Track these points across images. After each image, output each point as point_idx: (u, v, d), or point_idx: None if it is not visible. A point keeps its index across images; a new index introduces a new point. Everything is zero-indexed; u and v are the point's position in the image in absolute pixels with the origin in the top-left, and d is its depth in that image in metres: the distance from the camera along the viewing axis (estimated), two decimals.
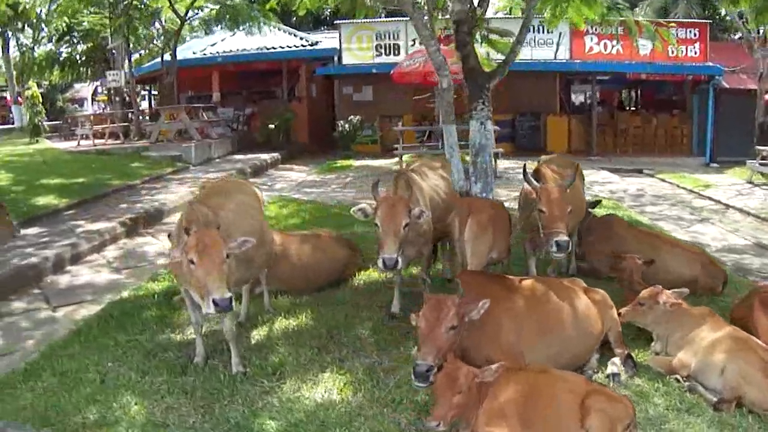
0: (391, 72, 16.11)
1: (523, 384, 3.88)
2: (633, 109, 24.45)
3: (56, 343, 5.39)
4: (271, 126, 18.83)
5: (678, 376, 4.86)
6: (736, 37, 24.79)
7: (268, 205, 10.78)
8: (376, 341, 5.30)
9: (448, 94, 9.30)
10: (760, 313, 5.22)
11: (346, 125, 18.28)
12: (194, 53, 21.50)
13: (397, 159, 17.19)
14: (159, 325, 5.72)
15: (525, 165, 5.73)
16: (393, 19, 20.00)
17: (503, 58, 9.25)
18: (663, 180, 15.98)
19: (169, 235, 6.35)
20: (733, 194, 13.54)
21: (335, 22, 21.31)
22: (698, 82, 19.74)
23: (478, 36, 9.77)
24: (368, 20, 16.88)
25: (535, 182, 5.55)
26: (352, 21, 17.57)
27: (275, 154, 17.18)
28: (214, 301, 4.00)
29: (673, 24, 14.22)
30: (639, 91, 25.15)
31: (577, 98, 23.95)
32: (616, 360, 5.01)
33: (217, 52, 21.00)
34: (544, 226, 5.26)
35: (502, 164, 15.48)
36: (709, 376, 4.68)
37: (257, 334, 5.53)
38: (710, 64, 19.10)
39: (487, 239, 5.43)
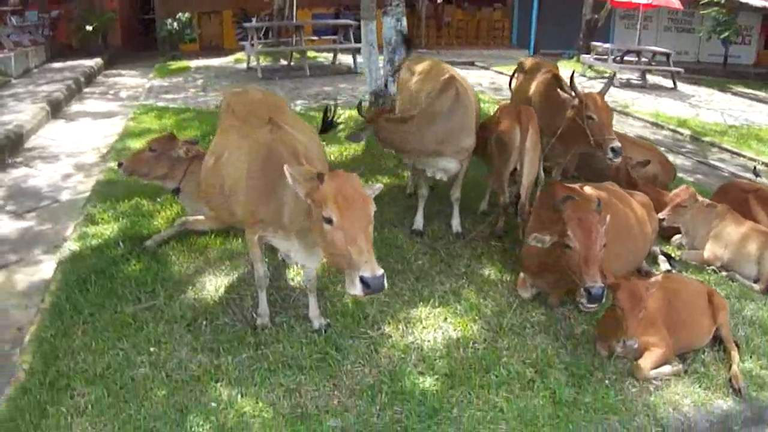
0: None
1: (662, 292, 3.95)
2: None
3: (45, 338, 3.97)
4: (89, 28, 16.04)
5: (714, 267, 5.20)
6: None
7: (139, 116, 9.39)
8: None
9: None
10: (759, 209, 5.68)
11: (174, 24, 16.18)
12: None
13: (236, 56, 15.89)
14: (155, 282, 4.58)
15: (573, 73, 5.49)
16: None
17: None
18: (500, 73, 16.49)
19: (119, 165, 5.25)
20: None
21: None
22: None
23: None
24: None
25: (577, 90, 5.32)
26: None
27: (97, 60, 14.83)
28: (362, 280, 2.92)
29: None
30: None
31: None
32: (662, 257, 5.21)
33: None
34: (594, 134, 5.09)
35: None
36: (745, 265, 5.09)
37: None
38: None
39: (539, 148, 5.16)
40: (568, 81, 5.58)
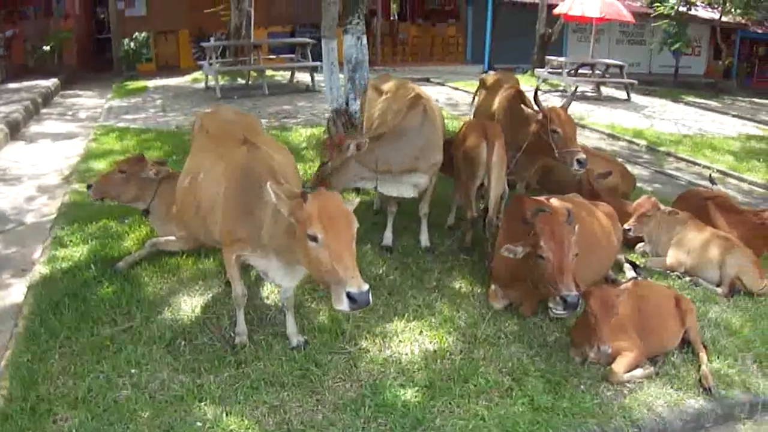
0: None
1: (632, 298, 4.14)
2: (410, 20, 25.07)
3: (22, 362, 3.90)
4: (46, 48, 15.79)
5: (677, 273, 5.42)
6: None
7: (101, 137, 9.33)
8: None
9: (333, 8, 8.69)
10: (717, 216, 5.94)
11: (131, 43, 16.05)
12: None
13: (193, 76, 15.84)
14: (131, 303, 4.58)
15: (537, 89, 5.67)
16: None
17: None
18: (456, 89, 16.78)
19: (88, 187, 5.24)
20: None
21: None
22: None
23: None
24: None
25: (541, 105, 5.51)
26: None
27: (54, 80, 14.59)
28: (349, 296, 2.99)
29: None
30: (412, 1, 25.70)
31: None
32: (627, 265, 5.41)
33: None
34: (559, 146, 5.28)
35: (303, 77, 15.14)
36: (708, 270, 5.33)
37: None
38: None
39: (505, 163, 5.32)
40: (530, 96, 5.77)
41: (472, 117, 6.99)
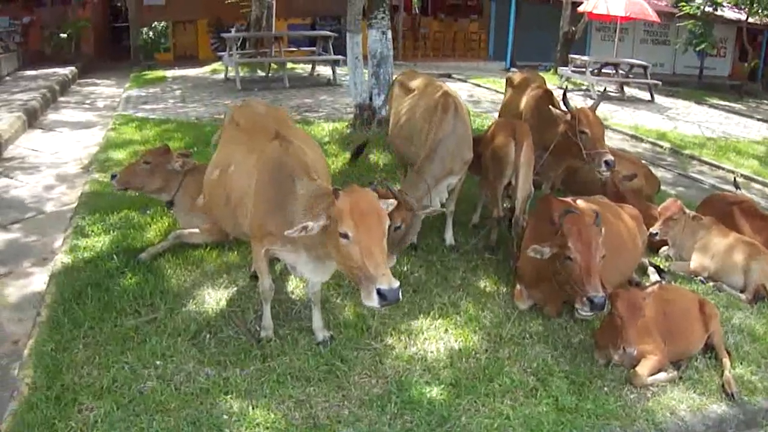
0: None
1: (657, 301, 4.19)
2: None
3: (46, 351, 3.99)
4: (63, 35, 15.97)
5: (701, 278, 5.45)
6: None
7: (120, 127, 9.46)
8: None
9: (358, 2, 8.76)
10: (742, 221, 5.96)
11: (150, 32, 16.20)
12: None
13: (212, 66, 15.96)
14: (154, 295, 4.65)
15: (566, 89, 5.71)
16: None
17: None
18: (478, 85, 16.81)
19: (113, 177, 5.34)
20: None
21: None
22: None
23: None
24: None
25: (570, 105, 5.56)
26: None
27: (71, 68, 14.77)
28: (379, 293, 3.05)
29: None
30: None
31: None
32: (651, 269, 5.45)
33: None
34: (587, 147, 5.32)
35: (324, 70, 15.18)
36: (732, 276, 5.35)
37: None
38: None
39: (532, 163, 5.38)
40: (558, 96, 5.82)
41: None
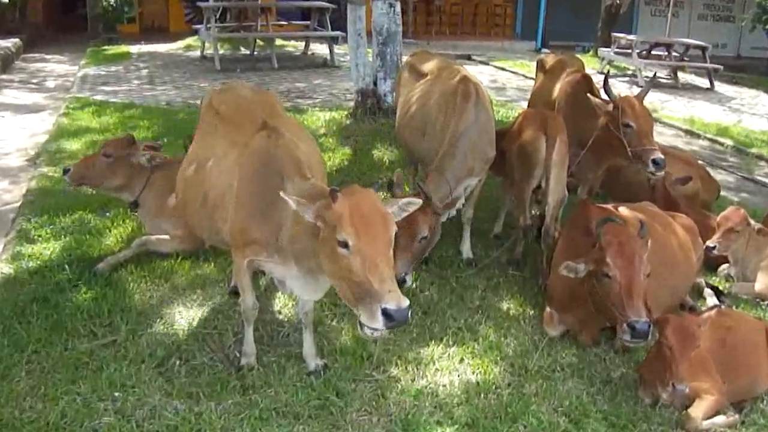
0: None
1: (715, 329, 4.19)
2: None
3: None
4: (5, 0, 16.07)
5: None
6: None
7: (74, 112, 9.54)
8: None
9: None
10: None
11: (111, 0, 16.32)
12: None
13: (186, 42, 16.03)
14: (114, 313, 4.70)
15: (607, 74, 5.73)
16: None
17: None
18: (503, 69, 16.91)
19: (65, 171, 5.38)
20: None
21: None
22: None
23: None
24: None
25: (612, 94, 5.58)
26: None
27: (14, 40, 14.88)
28: (385, 313, 3.00)
29: None
30: None
31: None
32: (708, 291, 5.48)
33: None
34: (633, 144, 5.36)
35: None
36: None
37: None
38: None
39: (566, 162, 5.42)
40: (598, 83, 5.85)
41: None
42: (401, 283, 4.61)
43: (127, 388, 3.99)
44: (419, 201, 3.68)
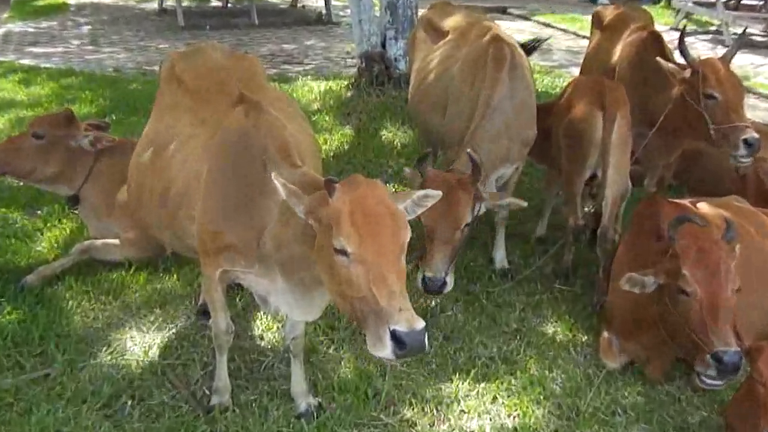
0: None
1: None
2: None
3: None
4: None
5: None
6: None
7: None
8: None
9: None
10: None
11: None
12: None
13: None
14: (47, 339, 4.75)
15: (683, 31, 5.72)
16: None
17: None
18: (547, 25, 16.96)
19: None
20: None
21: None
22: None
23: None
24: None
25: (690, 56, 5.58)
26: None
27: None
28: (394, 335, 2.98)
29: None
30: None
31: None
32: None
33: None
34: (717, 120, 5.36)
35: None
36: None
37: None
38: None
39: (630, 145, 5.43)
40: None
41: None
42: (441, 286, 4.67)
43: None
44: (438, 193, 3.63)
